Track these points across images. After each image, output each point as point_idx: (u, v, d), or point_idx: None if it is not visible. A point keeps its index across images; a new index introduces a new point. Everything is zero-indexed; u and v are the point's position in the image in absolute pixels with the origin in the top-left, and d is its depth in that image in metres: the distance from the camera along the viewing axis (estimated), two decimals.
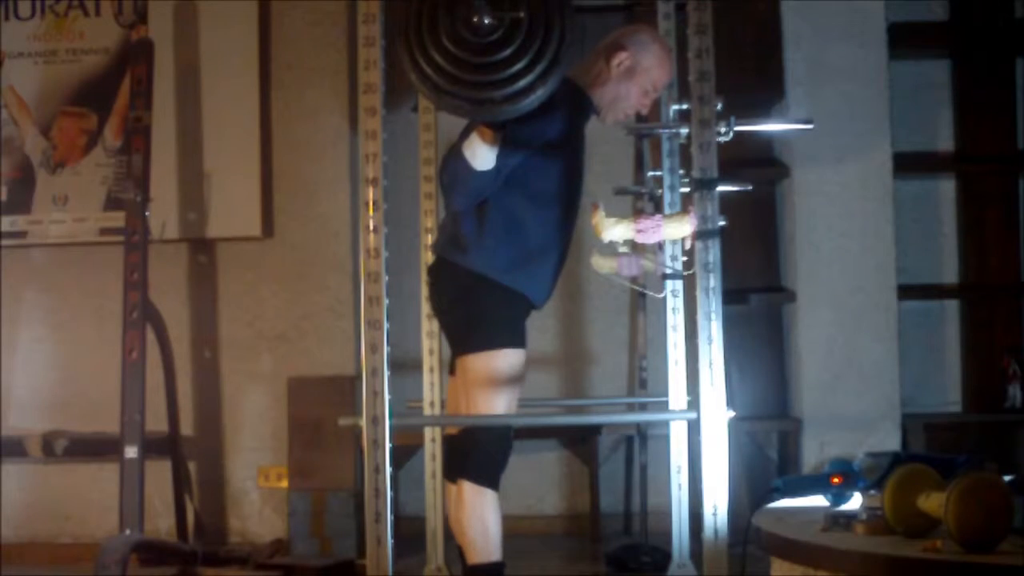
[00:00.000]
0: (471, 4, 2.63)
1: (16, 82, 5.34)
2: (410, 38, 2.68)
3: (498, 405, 3.02)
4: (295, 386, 5.13)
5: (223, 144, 5.25)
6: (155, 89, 4.85)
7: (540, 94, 2.66)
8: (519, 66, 2.64)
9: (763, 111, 5.21)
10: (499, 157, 2.93)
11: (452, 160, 2.98)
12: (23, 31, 5.34)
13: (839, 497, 2.57)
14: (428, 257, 4.06)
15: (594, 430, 5.23)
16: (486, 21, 2.64)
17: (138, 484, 4.34)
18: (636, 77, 3.17)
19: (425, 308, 4.04)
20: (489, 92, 2.65)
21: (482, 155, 2.92)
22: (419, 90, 2.74)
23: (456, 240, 3.10)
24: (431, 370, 4.06)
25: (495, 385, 3.02)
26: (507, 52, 2.64)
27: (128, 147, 4.77)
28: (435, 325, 4.06)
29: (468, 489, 3.05)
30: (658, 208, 3.99)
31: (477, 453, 3.07)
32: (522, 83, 2.65)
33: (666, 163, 3.79)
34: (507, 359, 3.04)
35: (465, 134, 3.01)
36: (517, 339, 3.08)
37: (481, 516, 3.04)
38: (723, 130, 2.64)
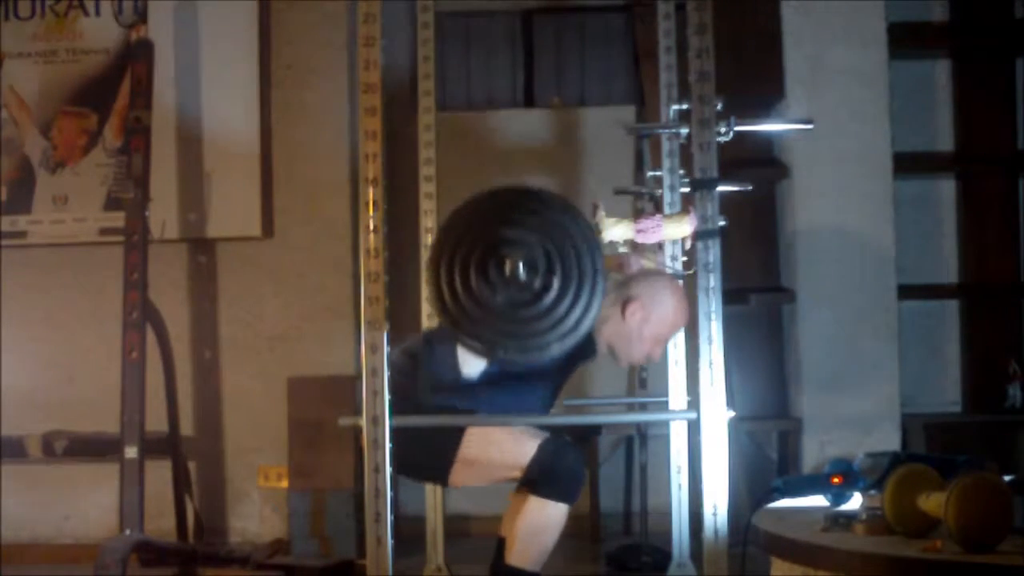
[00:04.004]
0: (517, 265, 2.58)
1: (16, 82, 5.35)
2: (461, 305, 2.62)
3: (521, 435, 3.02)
4: (295, 386, 5.13)
5: (223, 144, 5.25)
6: (155, 89, 4.85)
7: (585, 326, 2.63)
8: (565, 305, 2.62)
9: (763, 111, 5.21)
10: (487, 367, 3.00)
11: (440, 354, 3.03)
12: (23, 31, 5.34)
13: (839, 497, 2.57)
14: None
15: (594, 430, 5.23)
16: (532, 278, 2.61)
17: (138, 484, 4.34)
18: (649, 327, 3.15)
19: (425, 308, 4.04)
20: (544, 337, 2.63)
21: (474, 366, 3.01)
22: (468, 347, 2.72)
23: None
24: None
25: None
26: (552, 296, 2.61)
27: (128, 147, 4.77)
28: (435, 324, 4.05)
29: (541, 501, 3.00)
30: (658, 208, 3.98)
31: (554, 467, 3.02)
32: (571, 320, 2.62)
33: (666, 163, 3.79)
34: None
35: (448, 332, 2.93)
36: None
37: (546, 527, 3.00)
38: (723, 130, 2.63)
